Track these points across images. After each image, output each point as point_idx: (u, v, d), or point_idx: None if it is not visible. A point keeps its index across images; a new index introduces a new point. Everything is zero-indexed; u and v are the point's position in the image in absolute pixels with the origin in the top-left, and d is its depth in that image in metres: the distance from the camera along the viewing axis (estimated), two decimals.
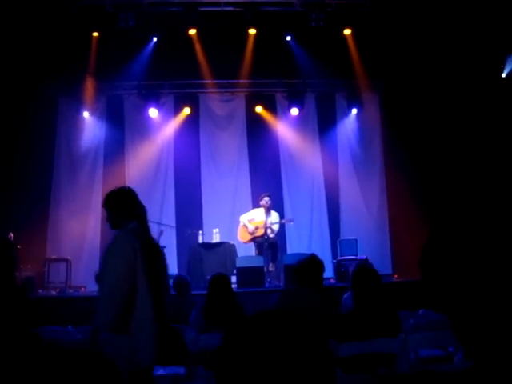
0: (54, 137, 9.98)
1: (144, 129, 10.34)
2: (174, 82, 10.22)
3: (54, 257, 8.57)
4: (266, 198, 8.56)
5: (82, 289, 8.56)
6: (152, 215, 9.60)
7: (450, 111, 9.36)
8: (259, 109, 10.45)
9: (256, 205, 9.04)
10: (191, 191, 10.19)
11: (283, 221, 9.01)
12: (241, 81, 10.17)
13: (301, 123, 10.56)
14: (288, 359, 0.85)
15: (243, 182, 10.35)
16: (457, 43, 8.79)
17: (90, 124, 10.14)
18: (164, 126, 10.36)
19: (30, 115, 9.07)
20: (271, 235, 8.49)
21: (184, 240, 9.36)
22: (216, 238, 8.85)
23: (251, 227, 8.57)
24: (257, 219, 8.62)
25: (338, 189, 10.44)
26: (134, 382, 2.92)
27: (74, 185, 9.82)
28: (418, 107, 9.64)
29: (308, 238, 10.21)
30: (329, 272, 8.40)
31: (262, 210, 8.60)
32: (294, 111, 10.34)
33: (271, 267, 8.27)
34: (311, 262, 3.94)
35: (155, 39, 9.76)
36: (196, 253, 8.61)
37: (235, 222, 9.10)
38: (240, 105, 10.57)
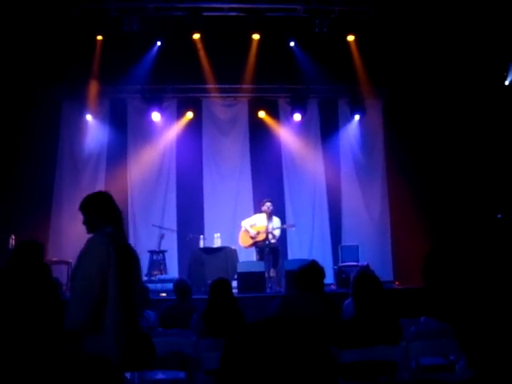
0: (57, 139, 10.01)
1: (147, 132, 10.35)
2: (178, 86, 10.24)
3: (55, 259, 8.55)
4: (268, 204, 8.55)
5: None
6: (153, 219, 9.80)
7: (453, 118, 9.36)
8: (262, 114, 10.45)
9: (258, 210, 9.02)
10: (193, 195, 10.19)
11: (285, 226, 8.99)
12: (244, 86, 10.19)
13: (303, 129, 10.57)
14: (291, 367, 0.84)
15: (245, 186, 10.35)
16: (460, 50, 8.81)
17: (93, 127, 10.16)
18: (167, 129, 10.37)
19: (34, 117, 9.07)
20: (272, 240, 8.48)
21: (185, 244, 9.35)
22: (217, 243, 8.84)
23: (253, 232, 8.56)
24: (258, 224, 8.61)
25: (339, 194, 10.44)
26: None
27: (77, 187, 9.80)
28: (421, 114, 9.64)
29: (309, 244, 10.20)
30: (330, 278, 8.38)
31: (263, 216, 8.59)
32: (297, 117, 10.35)
33: (272, 273, 8.25)
34: (312, 268, 3.94)
35: (159, 43, 9.78)
36: (197, 257, 8.60)
37: (237, 226, 9.09)
38: (243, 110, 10.59)
